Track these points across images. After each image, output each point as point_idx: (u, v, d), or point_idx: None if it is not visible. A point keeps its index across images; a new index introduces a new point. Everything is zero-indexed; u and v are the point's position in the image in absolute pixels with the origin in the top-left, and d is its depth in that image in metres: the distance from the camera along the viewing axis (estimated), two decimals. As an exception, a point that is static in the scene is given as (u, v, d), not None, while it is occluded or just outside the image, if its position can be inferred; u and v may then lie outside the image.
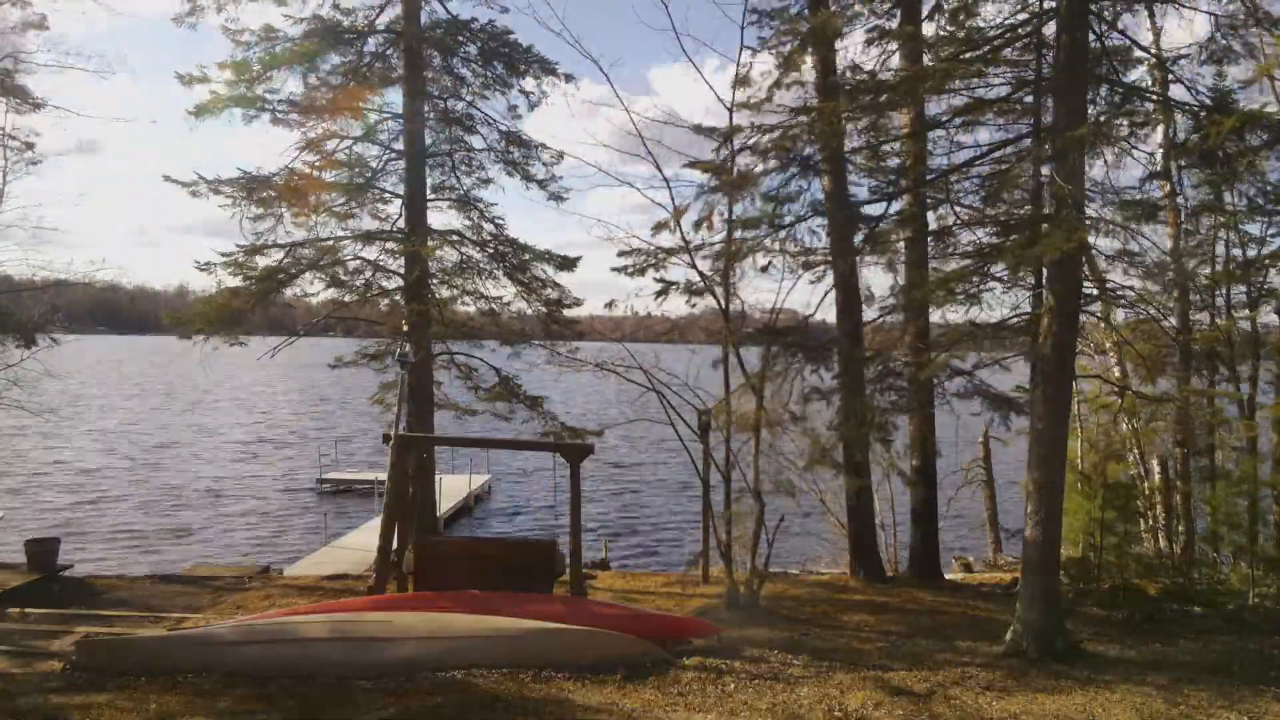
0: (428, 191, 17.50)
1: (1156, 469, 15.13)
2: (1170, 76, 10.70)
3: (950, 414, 13.44)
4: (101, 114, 52.58)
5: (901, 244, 13.47)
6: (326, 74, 16.94)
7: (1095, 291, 13.47)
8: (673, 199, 13.38)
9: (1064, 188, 9.38)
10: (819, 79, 14.10)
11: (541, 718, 7.89)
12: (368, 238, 17.48)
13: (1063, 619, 10.39)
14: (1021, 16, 10.80)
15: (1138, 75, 11.56)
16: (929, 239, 13.54)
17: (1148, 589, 12.31)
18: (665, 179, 13.77)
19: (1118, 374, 15.05)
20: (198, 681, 8.60)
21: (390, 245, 17.51)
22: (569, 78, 17.40)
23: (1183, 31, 36.01)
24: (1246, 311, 14.77)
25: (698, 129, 13.00)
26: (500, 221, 18.02)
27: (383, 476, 18.85)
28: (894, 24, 13.72)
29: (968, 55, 10.88)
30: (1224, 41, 9.75)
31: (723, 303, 13.14)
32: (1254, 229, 14.77)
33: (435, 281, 17.67)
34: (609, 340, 15.73)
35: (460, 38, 17.14)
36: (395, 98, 17.50)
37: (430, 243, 17.30)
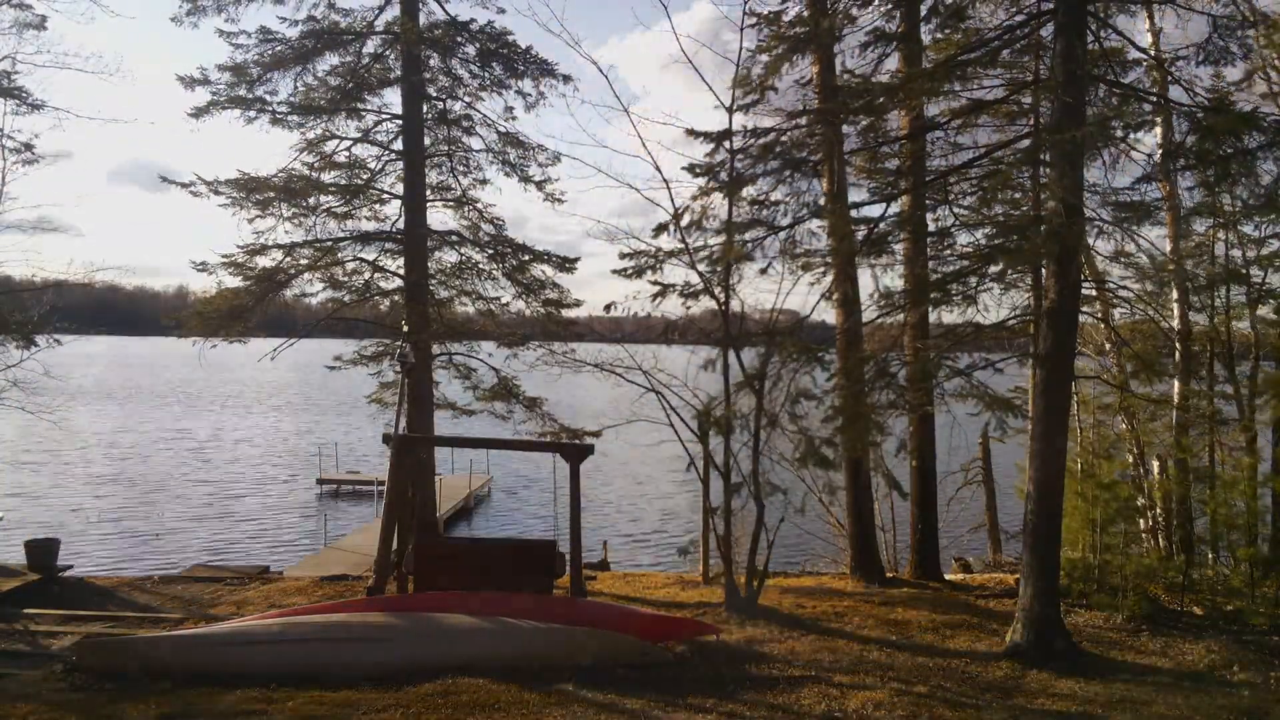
0: (427, 192, 17.52)
1: (1156, 469, 15.14)
2: (1169, 78, 10.72)
3: (949, 415, 13.46)
4: (100, 114, 52.40)
5: (900, 245, 13.48)
6: (325, 74, 16.99)
7: (1094, 292, 13.51)
8: (672, 200, 13.40)
9: (1059, 189, 9.40)
10: (818, 81, 14.13)
11: (542, 718, 7.91)
12: (366, 238, 17.52)
13: (1062, 619, 10.41)
14: (1020, 18, 10.81)
15: (1135, 76, 11.56)
16: (928, 240, 13.56)
17: (1148, 589, 12.33)
18: (665, 180, 13.77)
19: (1117, 374, 15.06)
20: (198, 682, 8.62)
21: (389, 246, 17.54)
22: (567, 79, 17.43)
23: (1180, 33, 35.91)
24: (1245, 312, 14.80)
25: (691, 132, 13.01)
26: (499, 222, 18.06)
27: (382, 477, 18.89)
28: (893, 25, 13.74)
29: (966, 57, 10.90)
30: (1221, 43, 9.77)
31: (722, 304, 13.15)
32: (1251, 230, 14.81)
33: (434, 282, 17.69)
34: (609, 342, 15.73)
35: (459, 39, 17.16)
36: (394, 98, 17.54)
37: (429, 244, 17.33)
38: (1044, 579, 10.15)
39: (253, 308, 16.66)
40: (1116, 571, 12.24)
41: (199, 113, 16.30)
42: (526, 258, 17.69)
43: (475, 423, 18.24)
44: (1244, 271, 14.62)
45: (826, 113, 11.98)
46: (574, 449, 12.20)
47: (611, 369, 13.97)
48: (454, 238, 17.84)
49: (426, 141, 17.47)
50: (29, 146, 15.24)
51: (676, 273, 13.60)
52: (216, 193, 16.26)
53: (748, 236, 13.02)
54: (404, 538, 12.20)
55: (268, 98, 16.52)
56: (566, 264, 17.80)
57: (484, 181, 18.16)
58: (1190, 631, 11.16)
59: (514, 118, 17.83)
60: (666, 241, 13.43)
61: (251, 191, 16.33)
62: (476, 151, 17.94)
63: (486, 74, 17.40)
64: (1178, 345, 14.45)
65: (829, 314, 14.30)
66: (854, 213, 12.75)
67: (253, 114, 16.50)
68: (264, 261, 16.70)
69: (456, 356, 17.90)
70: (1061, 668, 9.52)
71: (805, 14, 13.82)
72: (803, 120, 12.66)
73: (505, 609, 10.08)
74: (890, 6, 13.78)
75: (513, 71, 17.28)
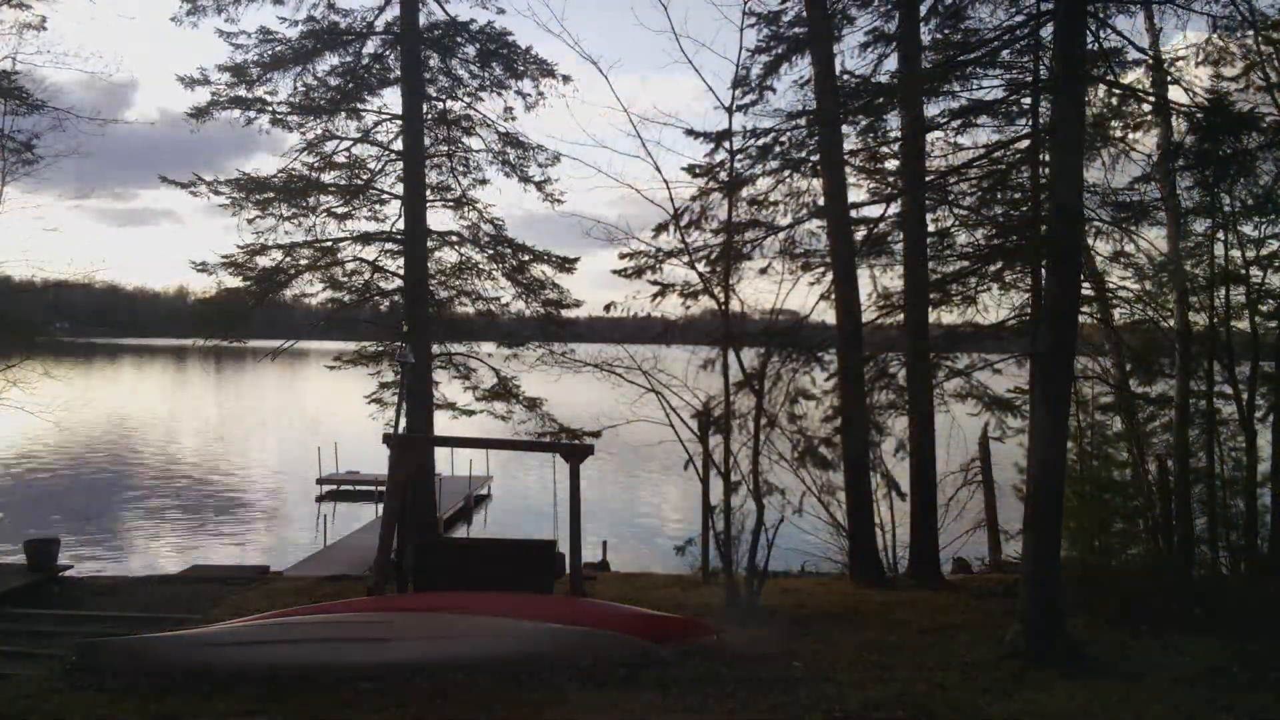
0: (427, 192, 17.54)
1: (1155, 469, 15.13)
2: (1168, 78, 10.72)
3: (949, 415, 13.47)
4: (100, 115, 51.68)
5: (899, 246, 13.50)
6: (325, 75, 17.01)
7: (1093, 292, 13.51)
8: (672, 200, 13.41)
9: (1059, 189, 9.40)
10: (817, 82, 14.14)
11: (541, 718, 7.91)
12: (366, 239, 17.55)
13: (1062, 619, 10.40)
14: (1019, 18, 10.83)
15: (1135, 77, 11.58)
16: (927, 240, 13.56)
17: (1147, 589, 12.31)
18: (665, 180, 13.78)
19: (1116, 374, 15.06)
20: (198, 683, 8.62)
21: (389, 246, 17.56)
22: (566, 79, 17.46)
23: (1179, 33, 36.00)
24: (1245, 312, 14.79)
25: (690, 132, 13.05)
26: (499, 222, 18.09)
27: (382, 477, 18.89)
28: (892, 26, 13.75)
29: (965, 57, 10.92)
30: (1220, 43, 9.78)
31: (722, 304, 13.16)
32: (1249, 230, 14.79)
33: (434, 282, 17.71)
34: (609, 343, 15.75)
35: (458, 39, 17.19)
36: (394, 98, 17.56)
37: (429, 243, 17.35)
38: (1043, 579, 10.14)
39: (253, 308, 16.69)
40: (1116, 572, 12.23)
41: (199, 113, 16.32)
42: (526, 258, 17.73)
43: (475, 423, 18.23)
44: (1243, 272, 14.61)
45: (825, 113, 11.98)
46: (574, 449, 12.19)
47: (611, 369, 13.98)
48: (454, 238, 17.88)
49: (426, 141, 17.49)
50: (28, 147, 15.25)
51: (677, 273, 13.61)
52: (216, 193, 16.28)
53: (747, 236, 13.06)
54: (404, 538, 12.19)
55: (268, 98, 16.57)
56: (566, 264, 17.82)
57: (484, 181, 18.23)
58: (1190, 631, 11.15)
59: (513, 118, 17.87)
60: (666, 241, 13.47)
61: (251, 191, 16.36)
62: (476, 151, 18.01)
63: (486, 74, 17.44)
64: (1177, 345, 14.45)
65: (829, 314, 14.34)
66: (853, 213, 12.77)
67: (253, 114, 16.55)
68: (264, 261, 16.75)
69: (456, 356, 17.94)
70: (1061, 668, 9.50)
71: (804, 14, 13.84)
72: (801, 121, 12.69)
73: (505, 609, 10.07)
74: (890, 7, 13.80)
75: (513, 72, 17.32)
